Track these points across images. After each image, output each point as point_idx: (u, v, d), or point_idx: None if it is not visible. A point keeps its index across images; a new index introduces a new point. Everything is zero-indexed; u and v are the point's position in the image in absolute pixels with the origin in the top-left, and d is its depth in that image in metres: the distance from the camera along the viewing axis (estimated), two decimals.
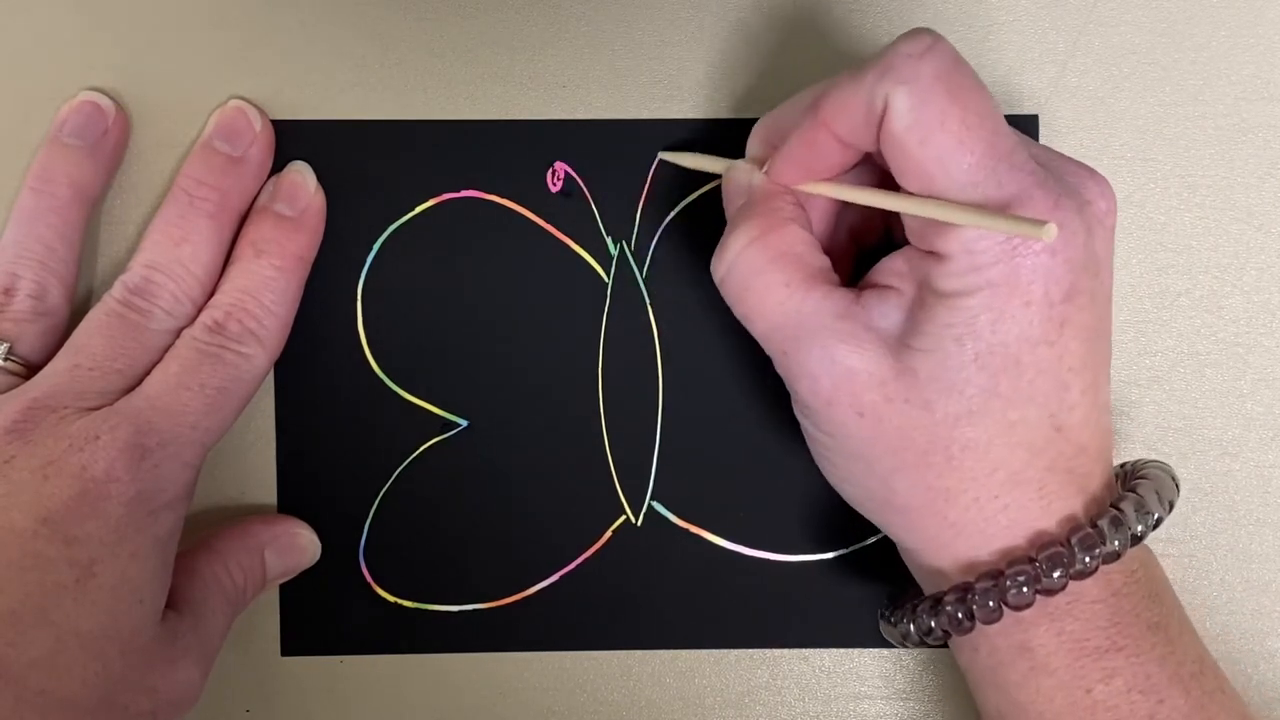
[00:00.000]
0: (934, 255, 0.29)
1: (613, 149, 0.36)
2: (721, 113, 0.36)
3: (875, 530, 0.36)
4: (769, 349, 0.31)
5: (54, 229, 0.33)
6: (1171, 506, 0.31)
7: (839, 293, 0.30)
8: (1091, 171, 0.30)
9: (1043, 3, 0.36)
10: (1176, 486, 0.31)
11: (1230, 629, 0.36)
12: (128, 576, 0.30)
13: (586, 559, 0.36)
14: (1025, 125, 0.35)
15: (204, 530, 0.35)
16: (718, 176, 0.35)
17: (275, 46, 0.35)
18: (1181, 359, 0.36)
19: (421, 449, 0.36)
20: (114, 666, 0.30)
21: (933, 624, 0.31)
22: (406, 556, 0.36)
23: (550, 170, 0.36)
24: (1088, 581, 0.29)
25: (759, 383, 0.36)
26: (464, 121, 0.35)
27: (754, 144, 0.32)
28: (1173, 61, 0.36)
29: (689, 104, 0.36)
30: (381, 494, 0.36)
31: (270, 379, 0.35)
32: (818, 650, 0.36)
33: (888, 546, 0.36)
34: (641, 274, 0.36)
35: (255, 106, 0.35)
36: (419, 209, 0.36)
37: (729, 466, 0.36)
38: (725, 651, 0.36)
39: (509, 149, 0.35)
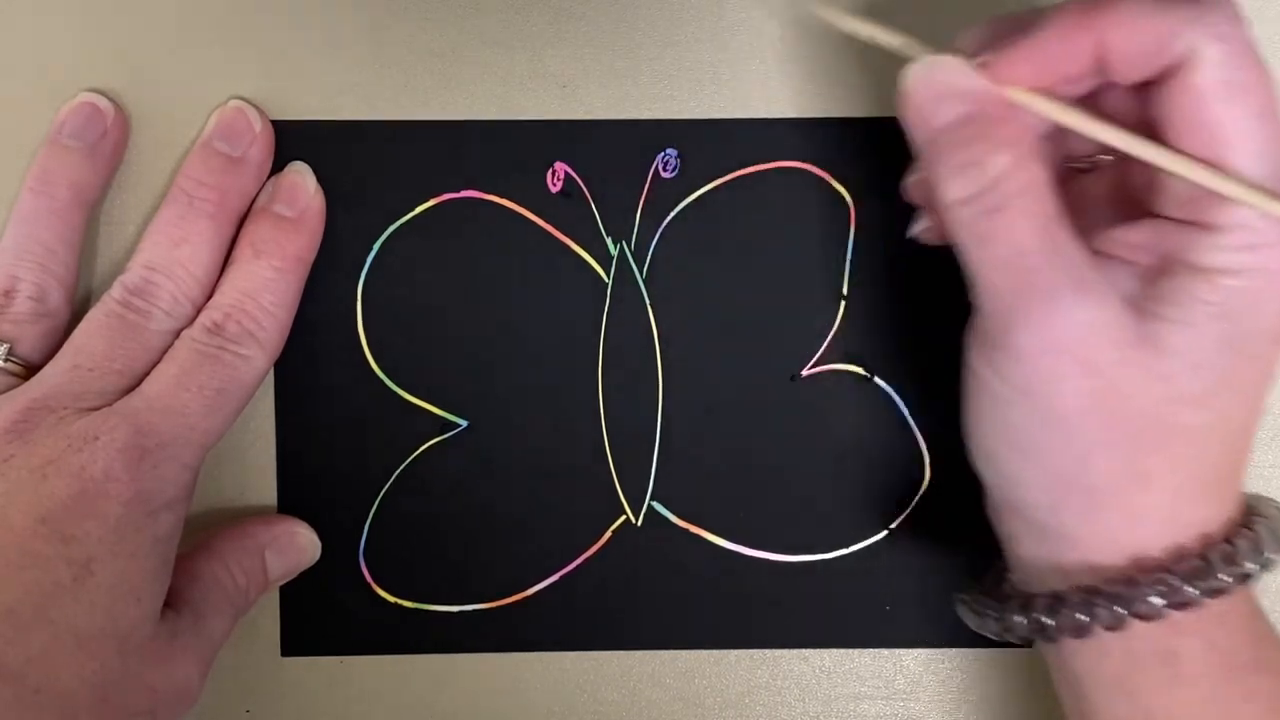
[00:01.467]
0: (1198, 226, 0.27)
1: (613, 149, 0.36)
2: (722, 113, 0.36)
3: (875, 530, 0.36)
4: (997, 281, 0.28)
5: (54, 231, 0.33)
6: None
7: (1083, 242, 0.28)
8: None
9: (1042, 3, 0.36)
10: None
11: None
12: (126, 576, 0.30)
13: (586, 559, 0.36)
14: None
15: (204, 531, 0.35)
16: (715, 177, 0.35)
17: (275, 46, 0.35)
18: None
19: (421, 449, 0.36)
20: (111, 665, 0.30)
21: (1053, 621, 0.28)
22: (406, 556, 0.36)
23: (550, 170, 0.36)
24: (1238, 593, 0.28)
25: (759, 383, 0.36)
26: (464, 121, 0.35)
27: (972, 36, 0.29)
28: None
29: (689, 104, 0.36)
30: (381, 494, 0.36)
31: (270, 379, 0.35)
32: (818, 650, 0.36)
33: (888, 546, 0.36)
34: (641, 274, 0.36)
35: (255, 107, 0.35)
36: (419, 209, 0.36)
37: (729, 466, 0.36)
38: (725, 651, 0.36)
39: (509, 149, 0.35)
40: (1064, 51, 0.27)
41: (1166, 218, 0.28)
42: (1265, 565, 0.28)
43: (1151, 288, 0.28)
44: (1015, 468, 0.29)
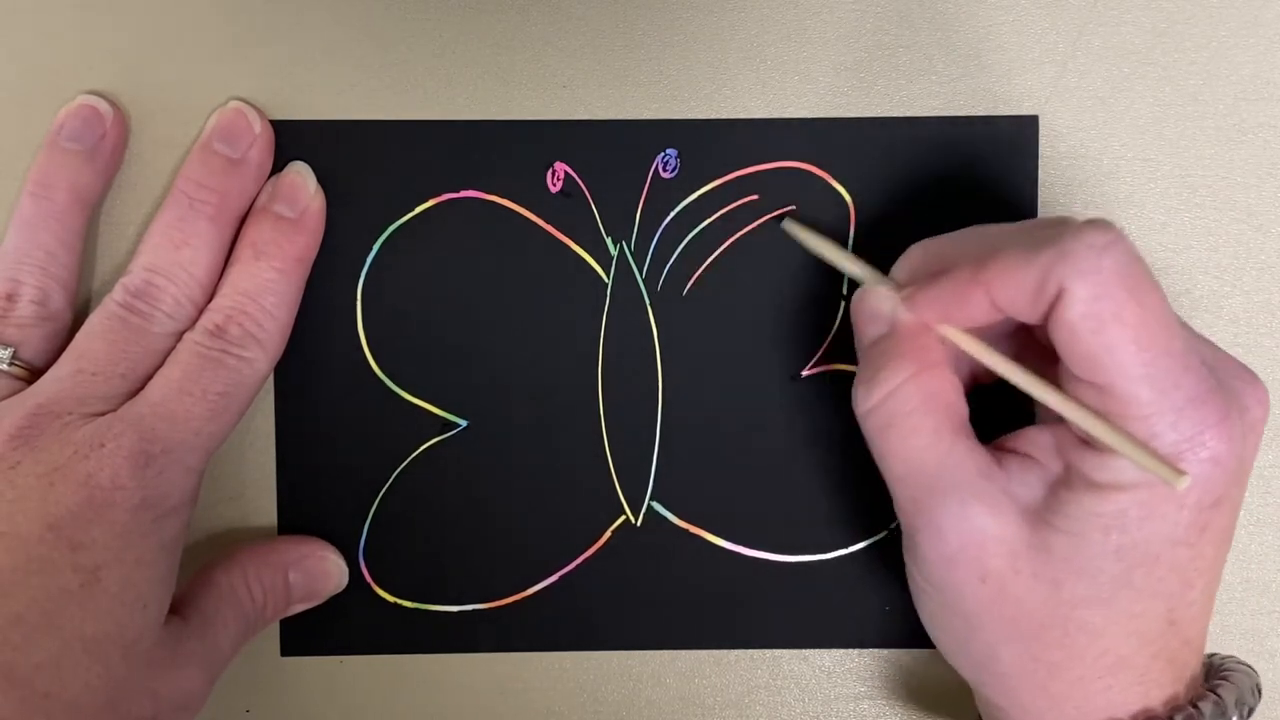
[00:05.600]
0: (1092, 445, 0.28)
1: (613, 149, 0.35)
2: (721, 113, 0.36)
3: (875, 530, 0.36)
4: (898, 492, 0.30)
5: (55, 234, 0.33)
6: (1257, 700, 0.31)
7: (981, 450, 0.30)
8: (1251, 376, 0.30)
9: (1043, 3, 0.36)
10: (1258, 691, 0.31)
11: (1230, 629, 0.36)
12: (132, 582, 0.30)
13: (586, 559, 0.36)
14: (1025, 126, 0.35)
15: (205, 532, 0.35)
16: (715, 177, 0.36)
17: (275, 46, 0.35)
18: None
19: (421, 449, 0.36)
20: (117, 671, 0.30)
21: None
22: (406, 556, 0.36)
23: (550, 170, 0.36)
24: None
25: (759, 383, 0.36)
26: (464, 121, 0.35)
27: (903, 267, 0.31)
28: (1173, 61, 0.36)
29: (689, 104, 0.36)
30: (381, 494, 0.36)
31: (270, 378, 0.35)
32: (818, 650, 0.36)
33: (888, 546, 0.36)
34: (641, 274, 0.36)
35: (254, 108, 0.35)
36: (419, 209, 0.36)
37: (729, 466, 0.36)
38: (725, 651, 0.36)
39: (509, 149, 0.35)
40: (963, 301, 0.29)
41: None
42: None
43: (1052, 495, 0.29)
44: (945, 646, 0.32)
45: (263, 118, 0.35)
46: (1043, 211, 0.36)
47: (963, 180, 0.36)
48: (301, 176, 0.35)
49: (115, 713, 0.30)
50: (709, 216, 0.36)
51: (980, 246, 0.30)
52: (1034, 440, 0.30)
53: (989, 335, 0.31)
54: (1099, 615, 0.29)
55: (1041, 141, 0.36)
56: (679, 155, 0.36)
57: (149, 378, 0.32)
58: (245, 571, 0.34)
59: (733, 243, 0.36)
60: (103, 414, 0.31)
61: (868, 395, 0.30)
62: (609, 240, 0.36)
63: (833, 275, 0.36)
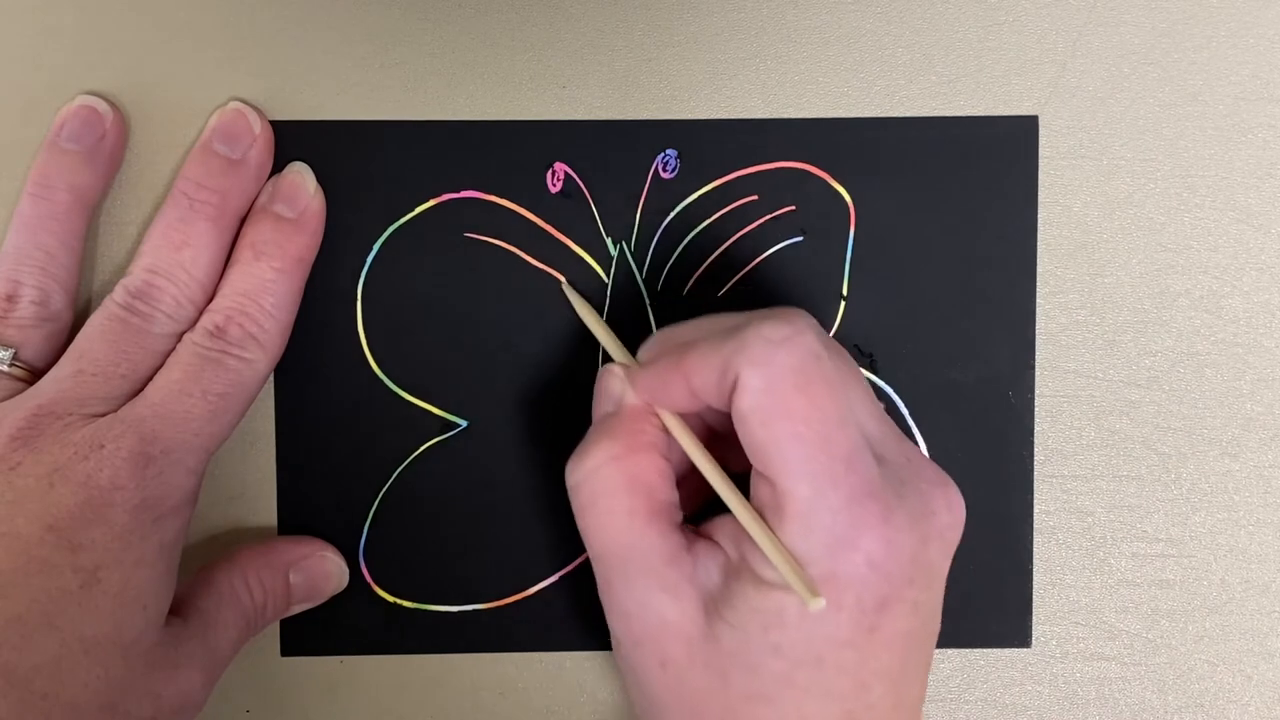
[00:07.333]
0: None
1: (613, 149, 0.35)
2: (721, 113, 0.36)
3: None
4: (596, 570, 0.31)
5: (55, 235, 0.33)
6: None
7: (675, 536, 0.30)
8: (945, 482, 0.30)
9: (1043, 3, 0.36)
10: None
11: (1230, 629, 0.36)
12: (132, 583, 0.30)
13: (586, 559, 0.36)
14: (1025, 126, 0.35)
15: (205, 532, 0.35)
16: (715, 177, 0.36)
17: (275, 47, 0.35)
18: (1181, 359, 0.36)
19: (421, 449, 0.36)
20: (116, 671, 0.30)
21: None
22: (406, 556, 0.36)
23: (550, 170, 0.36)
24: None
25: None
26: (464, 121, 0.35)
27: (647, 350, 0.32)
28: (1173, 61, 0.36)
29: (689, 104, 0.36)
30: (381, 494, 0.36)
31: (270, 378, 0.35)
32: None
33: None
34: (641, 274, 0.36)
35: (254, 108, 0.35)
36: (419, 209, 0.36)
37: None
38: None
39: (509, 149, 0.35)
40: (668, 387, 0.30)
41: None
42: None
43: (726, 587, 0.29)
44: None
45: (263, 118, 0.35)
46: (1043, 212, 0.36)
47: (963, 180, 0.36)
48: (301, 176, 0.35)
49: (115, 713, 0.30)
50: (709, 216, 0.36)
51: (699, 333, 0.30)
52: (723, 527, 0.30)
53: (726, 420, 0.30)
54: (768, 712, 0.29)
55: (1041, 141, 0.36)
56: (679, 155, 0.36)
57: (149, 378, 0.32)
58: (245, 572, 0.34)
59: (733, 243, 0.36)
60: (103, 415, 0.31)
61: (574, 470, 0.31)
62: (609, 240, 0.36)
63: (832, 278, 0.36)
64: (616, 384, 0.32)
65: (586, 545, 0.31)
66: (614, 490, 0.30)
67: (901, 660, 0.29)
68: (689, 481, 0.32)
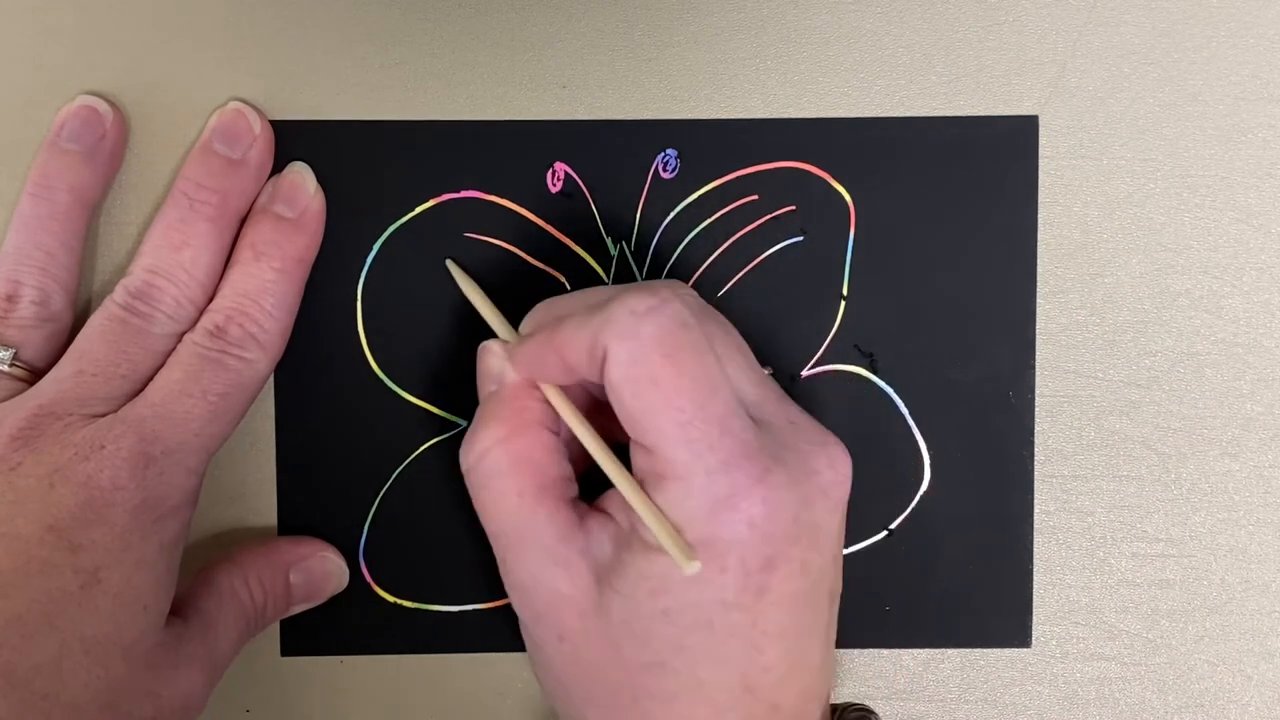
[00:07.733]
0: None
1: (613, 149, 0.35)
2: (721, 113, 0.36)
3: (874, 531, 0.36)
4: (495, 551, 0.31)
5: (55, 235, 0.33)
6: None
7: (566, 511, 0.30)
8: (826, 441, 0.30)
9: (1043, 3, 0.36)
10: None
11: (1230, 629, 0.36)
12: (133, 583, 0.30)
13: None
14: (1025, 126, 0.35)
15: (205, 532, 0.35)
16: (715, 177, 0.36)
17: (275, 47, 0.35)
18: (1181, 359, 0.36)
19: (421, 449, 0.36)
20: (117, 672, 0.30)
21: None
22: (406, 556, 0.36)
23: (550, 170, 0.36)
24: None
25: None
26: (464, 121, 0.35)
27: (527, 324, 0.32)
28: (1173, 61, 0.36)
29: (689, 104, 0.36)
30: (381, 494, 0.36)
31: (270, 378, 0.35)
32: None
33: (887, 547, 0.36)
34: (641, 274, 0.36)
35: (254, 108, 0.35)
36: (419, 209, 0.36)
37: None
38: None
39: (509, 149, 0.35)
40: (543, 362, 0.30)
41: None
42: None
43: (616, 557, 0.29)
44: (555, 708, 0.33)
45: (263, 118, 0.35)
46: (1043, 212, 0.36)
47: (963, 180, 0.36)
48: (301, 176, 0.35)
49: (115, 714, 0.30)
50: (709, 217, 0.36)
51: (573, 307, 0.30)
52: (614, 498, 0.30)
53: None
54: (664, 682, 0.29)
55: (1041, 141, 0.36)
56: (679, 155, 0.36)
57: (149, 379, 0.32)
58: (246, 572, 0.34)
59: (733, 243, 0.36)
60: (103, 415, 0.31)
61: (465, 455, 0.31)
62: (609, 240, 0.36)
63: (832, 278, 0.36)
64: (496, 362, 0.32)
65: (485, 526, 0.31)
66: (503, 472, 0.30)
67: (795, 620, 0.29)
68: (584, 451, 0.32)
